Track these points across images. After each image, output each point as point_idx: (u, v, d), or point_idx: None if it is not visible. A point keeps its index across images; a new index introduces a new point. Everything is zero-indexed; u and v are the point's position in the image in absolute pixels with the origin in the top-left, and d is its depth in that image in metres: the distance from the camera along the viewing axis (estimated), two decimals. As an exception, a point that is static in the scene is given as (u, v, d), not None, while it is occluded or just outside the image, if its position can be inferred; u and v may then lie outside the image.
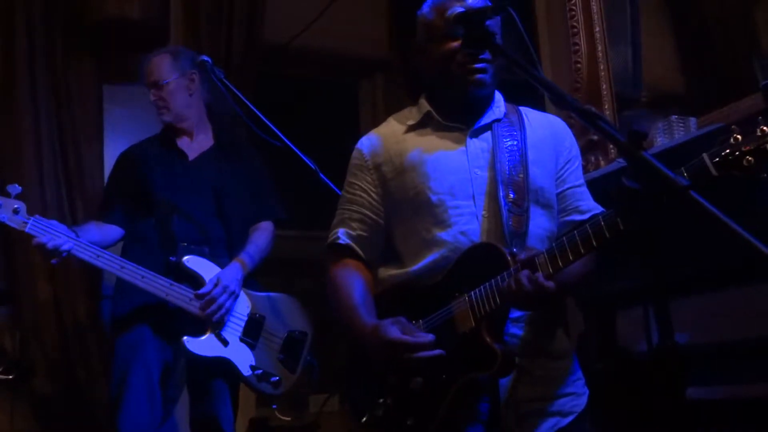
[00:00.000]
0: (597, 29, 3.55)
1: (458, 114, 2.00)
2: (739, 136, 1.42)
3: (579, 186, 2.03)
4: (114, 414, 2.91)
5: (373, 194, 2.04)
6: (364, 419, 1.94)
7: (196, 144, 3.29)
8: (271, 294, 3.25)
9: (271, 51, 4.74)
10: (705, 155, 1.45)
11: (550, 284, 1.67)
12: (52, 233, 2.82)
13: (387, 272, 2.03)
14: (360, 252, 2.05)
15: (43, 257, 2.88)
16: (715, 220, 1.15)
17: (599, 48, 3.53)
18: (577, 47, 3.56)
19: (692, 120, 2.90)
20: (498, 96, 2.07)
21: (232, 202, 3.20)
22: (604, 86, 3.47)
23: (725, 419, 2.36)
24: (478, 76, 1.92)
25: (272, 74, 5.02)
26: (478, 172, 1.93)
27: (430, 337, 1.79)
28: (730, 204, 1.17)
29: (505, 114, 2.03)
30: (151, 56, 3.27)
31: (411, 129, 2.05)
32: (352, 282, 2.00)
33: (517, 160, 1.94)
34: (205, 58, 3.06)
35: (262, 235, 3.26)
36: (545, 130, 2.05)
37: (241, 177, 3.26)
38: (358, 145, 2.11)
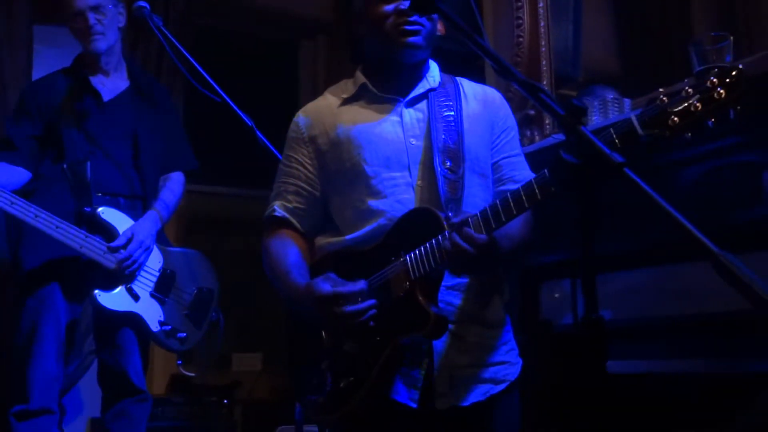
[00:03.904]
0: (541, 4, 3.57)
1: (393, 84, 2.01)
2: (665, 98, 1.47)
3: (515, 156, 2.05)
4: (23, 363, 2.83)
5: (309, 166, 2.04)
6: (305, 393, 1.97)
7: (111, 83, 3.16)
8: (182, 249, 3.23)
9: (211, 3, 4.63)
10: (632, 116, 1.49)
11: (483, 237, 1.69)
12: None
13: (324, 240, 2.04)
14: (296, 224, 2.05)
15: None
16: (647, 197, 1.18)
17: (542, 24, 3.55)
18: (521, 21, 3.58)
19: (626, 101, 2.96)
20: (433, 65, 2.09)
21: (148, 149, 3.12)
22: (544, 62, 3.50)
23: (643, 393, 2.45)
24: (411, 38, 1.93)
25: (212, 28, 4.92)
26: (413, 141, 1.94)
27: (360, 285, 1.81)
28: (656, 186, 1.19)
29: (441, 83, 2.05)
30: None
31: (346, 102, 2.05)
32: (285, 249, 2.01)
33: (453, 129, 1.95)
34: (143, 3, 2.93)
35: (174, 186, 3.21)
36: (481, 100, 2.07)
37: (157, 123, 3.19)
38: (295, 118, 2.11)
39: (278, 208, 2.06)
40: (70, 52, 3.24)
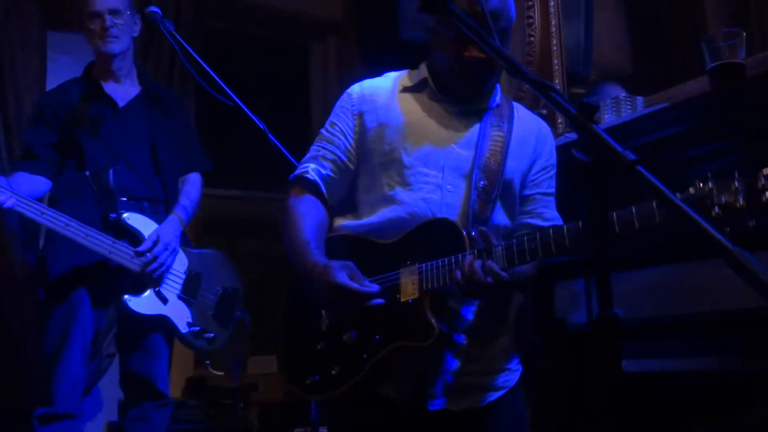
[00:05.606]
0: (552, 3, 3.57)
1: (454, 90, 2.00)
2: (711, 184, 1.45)
3: (549, 194, 2.06)
4: (51, 369, 2.85)
5: (351, 139, 2.02)
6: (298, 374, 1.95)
7: (123, 90, 3.19)
8: (204, 250, 3.26)
9: (221, 6, 4.65)
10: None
11: (504, 275, 1.70)
12: None
13: (341, 221, 2.03)
14: (324, 192, 2.02)
15: None
16: (660, 195, 1.18)
17: (553, 23, 3.54)
18: (532, 20, 3.57)
19: (639, 99, 2.94)
20: (496, 87, 2.07)
21: (166, 153, 3.15)
22: (555, 61, 3.49)
23: (659, 391, 2.43)
24: (473, 83, 1.97)
25: (222, 31, 4.94)
26: (456, 148, 1.94)
27: (375, 288, 1.80)
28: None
29: (498, 104, 2.04)
30: None
31: (405, 90, 2.04)
32: (309, 215, 1.97)
33: (498, 148, 1.94)
34: (155, 9, 2.95)
35: (193, 188, 3.24)
36: (531, 129, 2.07)
37: (172, 127, 3.22)
38: (349, 89, 2.09)
39: (311, 171, 2.01)
40: (84, 58, 3.26)
